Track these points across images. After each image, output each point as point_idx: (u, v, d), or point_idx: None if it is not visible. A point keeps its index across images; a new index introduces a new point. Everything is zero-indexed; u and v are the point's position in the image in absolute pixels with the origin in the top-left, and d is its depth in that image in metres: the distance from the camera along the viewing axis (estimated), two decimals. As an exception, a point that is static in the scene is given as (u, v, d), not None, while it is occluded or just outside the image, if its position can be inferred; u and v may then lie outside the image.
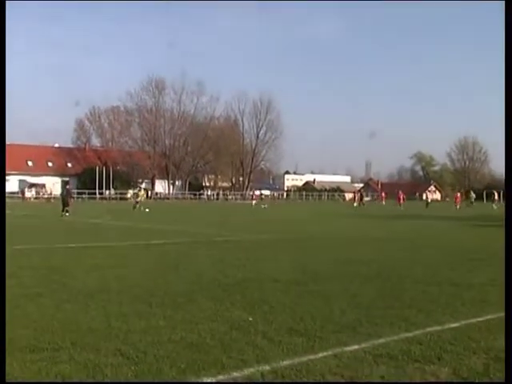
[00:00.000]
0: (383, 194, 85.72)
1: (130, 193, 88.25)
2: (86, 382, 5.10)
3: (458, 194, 71.85)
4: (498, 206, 60.90)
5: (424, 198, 78.19)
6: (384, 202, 78.35)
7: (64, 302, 8.20)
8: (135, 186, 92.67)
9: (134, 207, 44.68)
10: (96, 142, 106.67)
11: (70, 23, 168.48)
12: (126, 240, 19.08)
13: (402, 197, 65.24)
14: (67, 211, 34.70)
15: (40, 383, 5.10)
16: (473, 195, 75.13)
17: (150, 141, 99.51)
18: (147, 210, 41.71)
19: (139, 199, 47.74)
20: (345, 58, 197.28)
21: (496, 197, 70.98)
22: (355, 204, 69.37)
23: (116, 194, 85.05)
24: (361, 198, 71.89)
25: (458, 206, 62.63)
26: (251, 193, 79.56)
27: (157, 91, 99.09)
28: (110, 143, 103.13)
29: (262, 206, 59.95)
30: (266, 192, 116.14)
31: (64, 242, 17.59)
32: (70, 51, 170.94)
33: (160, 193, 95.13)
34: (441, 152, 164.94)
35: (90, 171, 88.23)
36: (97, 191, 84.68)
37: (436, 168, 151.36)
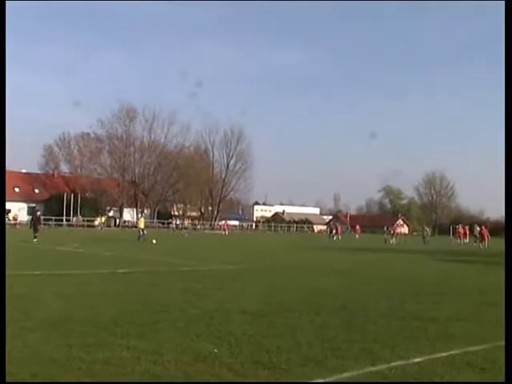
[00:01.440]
0: (357, 227, 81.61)
1: (98, 220, 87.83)
2: (85, 382, 5.03)
3: (461, 228, 61.22)
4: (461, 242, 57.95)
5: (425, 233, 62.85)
6: (357, 235, 75.02)
7: (26, 330, 8.05)
8: (103, 213, 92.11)
9: (139, 237, 41.35)
10: (64, 168, 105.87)
11: (40, 44, 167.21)
12: (92, 268, 18.85)
13: (397, 230, 62.86)
14: (35, 237, 34.77)
15: (42, 383, 5.02)
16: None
17: (119, 168, 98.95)
18: (154, 241, 38.88)
19: (143, 226, 43.88)
20: (313, 88, 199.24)
21: (461, 230, 61.16)
22: (335, 237, 64.47)
23: (84, 221, 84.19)
24: (331, 231, 69.32)
25: (462, 241, 56.79)
26: (222, 223, 79.94)
27: (128, 119, 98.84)
28: (79, 170, 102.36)
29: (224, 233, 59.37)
30: (235, 222, 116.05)
31: (29, 269, 17.32)
32: (40, 74, 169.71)
33: (128, 221, 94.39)
34: (409, 185, 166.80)
35: (58, 198, 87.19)
36: (64, 218, 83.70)
37: (404, 201, 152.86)
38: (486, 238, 51.03)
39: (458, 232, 61.10)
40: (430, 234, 60.71)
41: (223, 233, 69.38)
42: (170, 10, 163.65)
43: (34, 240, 34.10)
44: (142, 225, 44.53)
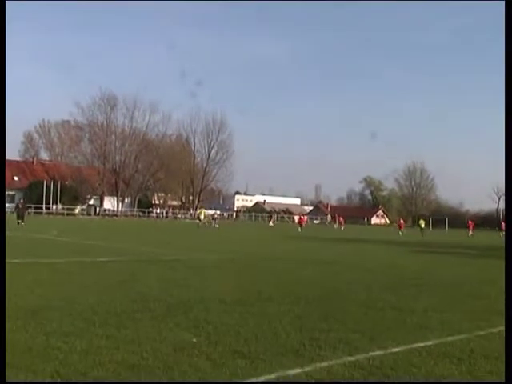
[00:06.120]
0: (340, 219, 79.00)
1: (78, 209, 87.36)
2: (84, 382, 5.03)
3: (401, 221, 72.26)
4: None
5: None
6: (341, 227, 71.66)
7: (3, 319, 7.99)
8: (83, 201, 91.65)
9: (205, 224, 49.96)
10: (44, 155, 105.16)
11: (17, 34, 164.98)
12: (71, 256, 18.75)
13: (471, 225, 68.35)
14: (23, 222, 38.59)
15: (40, 383, 5.07)
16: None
17: (99, 157, 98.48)
18: (217, 226, 45.55)
19: (204, 218, 51.38)
20: (293, 81, 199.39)
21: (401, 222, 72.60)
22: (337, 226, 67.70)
23: (63, 209, 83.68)
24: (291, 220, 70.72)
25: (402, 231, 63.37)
26: (270, 215, 79.86)
27: (109, 107, 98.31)
28: (59, 158, 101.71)
29: (216, 226, 58.69)
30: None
31: (8, 257, 17.14)
32: (19, 62, 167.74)
33: (108, 209, 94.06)
34: (390, 177, 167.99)
35: (38, 185, 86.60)
36: (43, 206, 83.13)
37: (384, 193, 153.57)
38: (401, 227, 65.52)
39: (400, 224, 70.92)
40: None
41: (271, 225, 68.85)
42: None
43: (21, 224, 37.52)
44: (202, 216, 51.48)
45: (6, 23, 7.49)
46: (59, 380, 5.46)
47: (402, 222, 70.41)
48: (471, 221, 74.46)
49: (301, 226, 64.19)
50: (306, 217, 79.55)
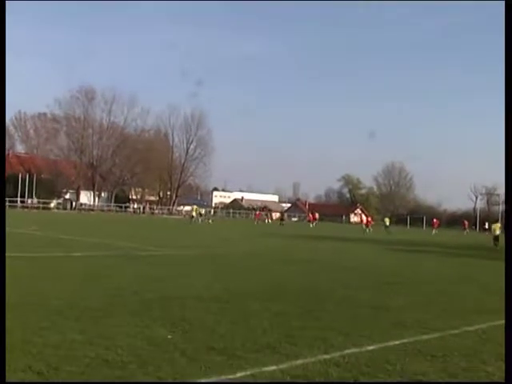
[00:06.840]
0: (312, 216, 76.58)
1: (54, 203, 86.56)
2: (83, 382, 5.09)
3: (363, 217, 75.60)
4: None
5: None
6: (312, 224, 70.83)
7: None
8: (59, 195, 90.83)
9: (195, 221, 54.79)
10: (20, 148, 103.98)
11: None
12: (48, 251, 18.59)
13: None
14: None
15: (42, 383, 5.08)
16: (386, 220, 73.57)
17: (76, 150, 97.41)
18: (210, 221, 52.17)
19: (194, 214, 57.66)
20: (272, 76, 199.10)
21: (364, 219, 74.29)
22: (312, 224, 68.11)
23: (39, 202, 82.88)
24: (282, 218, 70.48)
25: (368, 229, 64.67)
26: (264, 212, 79.29)
27: (86, 100, 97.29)
28: (35, 150, 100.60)
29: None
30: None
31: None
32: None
33: (85, 204, 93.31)
34: (368, 176, 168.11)
35: (12, 178, 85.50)
36: (18, 199, 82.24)
37: (363, 191, 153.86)
38: (368, 224, 64.91)
39: (361, 221, 73.85)
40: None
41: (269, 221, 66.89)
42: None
43: None
44: (193, 213, 57.44)
45: (5, 23, 7.41)
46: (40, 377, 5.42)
47: (369, 219, 70.95)
48: (436, 219, 77.36)
49: (257, 220, 64.78)
50: (259, 212, 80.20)
